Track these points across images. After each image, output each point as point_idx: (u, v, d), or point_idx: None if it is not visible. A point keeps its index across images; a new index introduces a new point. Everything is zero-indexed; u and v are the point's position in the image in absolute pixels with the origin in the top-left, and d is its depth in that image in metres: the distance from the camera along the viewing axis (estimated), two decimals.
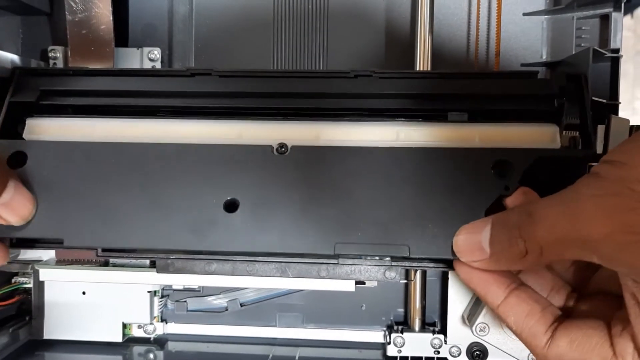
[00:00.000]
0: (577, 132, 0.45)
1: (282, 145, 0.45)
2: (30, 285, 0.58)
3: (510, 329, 0.35)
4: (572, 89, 0.45)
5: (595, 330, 0.32)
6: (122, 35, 0.60)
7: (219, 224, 0.44)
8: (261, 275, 0.49)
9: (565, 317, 0.34)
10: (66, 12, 0.56)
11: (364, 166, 0.44)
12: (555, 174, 0.46)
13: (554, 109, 0.45)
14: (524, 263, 0.33)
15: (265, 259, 0.46)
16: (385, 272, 0.49)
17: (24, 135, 0.47)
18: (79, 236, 0.43)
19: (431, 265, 0.43)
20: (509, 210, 0.36)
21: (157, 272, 0.50)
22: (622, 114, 0.51)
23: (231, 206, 0.44)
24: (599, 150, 0.46)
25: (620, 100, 0.53)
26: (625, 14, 0.57)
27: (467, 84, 0.46)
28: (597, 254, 0.29)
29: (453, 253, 0.39)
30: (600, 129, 0.46)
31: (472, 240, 0.36)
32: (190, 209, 0.44)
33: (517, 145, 0.43)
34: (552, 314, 0.34)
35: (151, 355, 0.59)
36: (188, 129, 0.47)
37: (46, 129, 0.47)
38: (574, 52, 0.55)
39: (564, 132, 0.44)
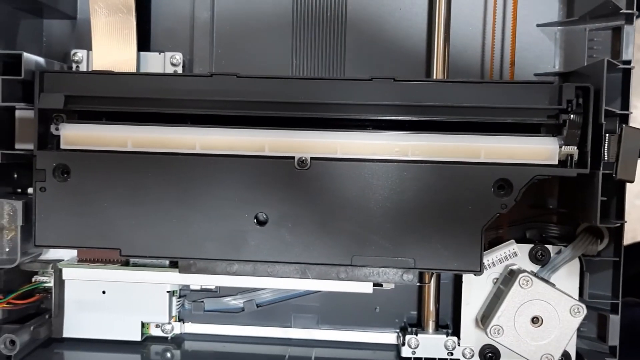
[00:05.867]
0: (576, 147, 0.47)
1: (302, 160, 0.48)
2: (50, 284, 0.59)
3: None
4: (580, 101, 0.47)
5: None
6: (145, 39, 0.61)
7: (249, 237, 0.48)
8: (281, 277, 0.51)
9: None
10: (90, 16, 0.57)
11: (377, 180, 0.47)
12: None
13: (559, 124, 0.47)
14: None
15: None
16: (402, 274, 0.50)
17: (62, 145, 0.49)
18: (134, 246, 0.49)
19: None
20: None
21: (180, 272, 0.52)
22: (630, 123, 0.52)
23: (261, 220, 0.48)
24: (612, 158, 0.48)
25: None
26: None
27: (481, 94, 0.47)
28: None
29: None
30: (614, 138, 0.48)
31: None
32: (223, 222, 0.48)
33: (517, 159, 0.47)
34: None
35: (168, 355, 0.60)
36: (215, 138, 0.48)
37: (81, 138, 0.49)
38: (585, 63, 0.56)
39: (563, 147, 0.47)
